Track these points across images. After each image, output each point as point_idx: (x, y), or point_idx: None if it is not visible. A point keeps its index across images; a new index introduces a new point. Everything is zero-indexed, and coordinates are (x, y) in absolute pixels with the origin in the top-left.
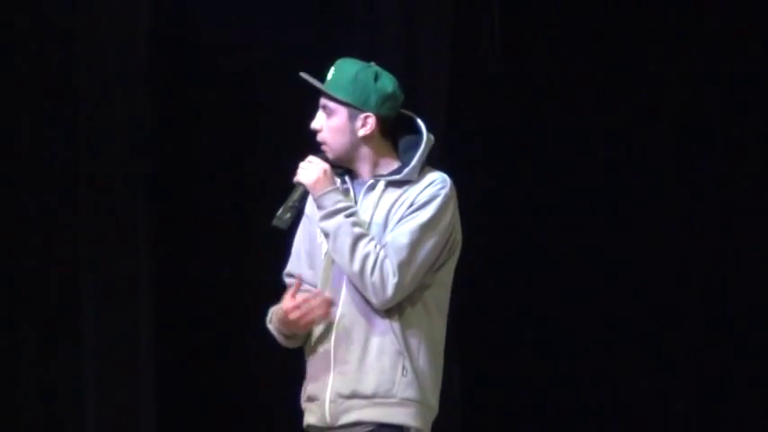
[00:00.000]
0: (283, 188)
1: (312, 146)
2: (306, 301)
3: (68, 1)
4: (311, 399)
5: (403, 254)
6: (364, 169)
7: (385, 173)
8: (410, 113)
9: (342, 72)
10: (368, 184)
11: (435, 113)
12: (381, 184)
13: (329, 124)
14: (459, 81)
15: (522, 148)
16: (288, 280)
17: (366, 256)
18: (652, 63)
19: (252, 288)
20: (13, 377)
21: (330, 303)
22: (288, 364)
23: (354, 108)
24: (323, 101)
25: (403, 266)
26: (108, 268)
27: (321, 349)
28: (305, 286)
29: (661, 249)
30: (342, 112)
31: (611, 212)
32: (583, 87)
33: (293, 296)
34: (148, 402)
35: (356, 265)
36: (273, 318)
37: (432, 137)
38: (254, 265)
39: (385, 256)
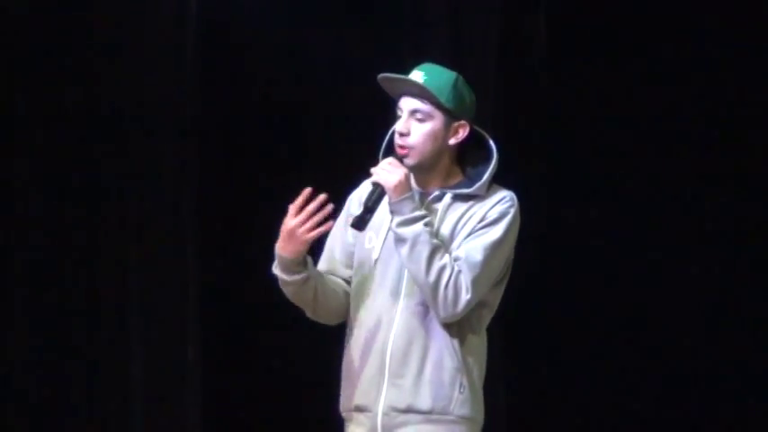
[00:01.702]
0: (329, 193)
1: (357, 147)
2: (303, 206)
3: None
4: (360, 409)
5: (477, 270)
6: (434, 179)
7: (451, 185)
8: (478, 128)
9: (439, 77)
10: (434, 194)
11: (482, 125)
12: (448, 197)
13: (421, 129)
14: (507, 100)
15: (571, 165)
16: None
17: (442, 269)
18: (709, 72)
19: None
20: (61, 387)
21: (326, 205)
22: (334, 376)
23: (451, 115)
24: (415, 104)
25: (476, 283)
26: (155, 280)
27: (373, 359)
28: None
29: (714, 263)
30: (439, 118)
31: (665, 227)
32: (633, 104)
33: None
34: (195, 417)
35: (432, 277)
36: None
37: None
38: None
39: (459, 271)
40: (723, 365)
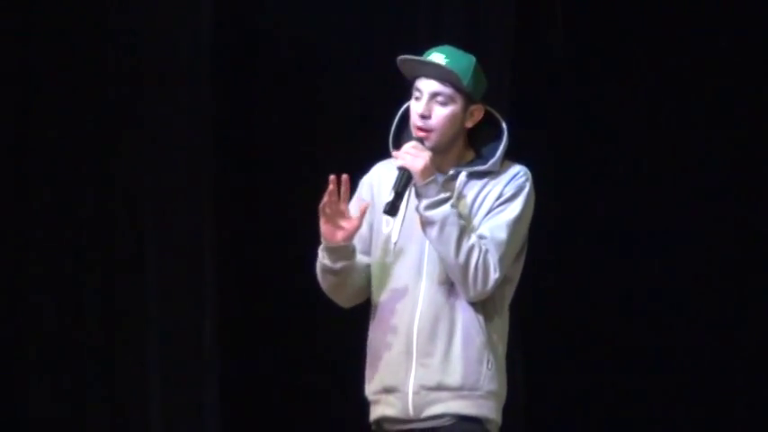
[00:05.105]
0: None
1: (370, 135)
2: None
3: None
4: (388, 390)
5: (502, 249)
6: (449, 160)
7: (464, 163)
8: (489, 108)
9: (460, 60)
10: (449, 174)
11: (499, 103)
12: (463, 175)
13: (443, 111)
14: (523, 70)
15: (587, 137)
16: None
17: (471, 249)
18: (725, 45)
19: (317, 285)
20: (79, 373)
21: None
22: (354, 362)
23: (470, 98)
24: (436, 87)
25: (503, 261)
26: (172, 267)
27: (399, 340)
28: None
29: (733, 249)
30: (459, 101)
31: (680, 204)
32: (649, 73)
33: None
34: (212, 407)
35: (462, 257)
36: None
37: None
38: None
39: (486, 251)
40: (735, 360)
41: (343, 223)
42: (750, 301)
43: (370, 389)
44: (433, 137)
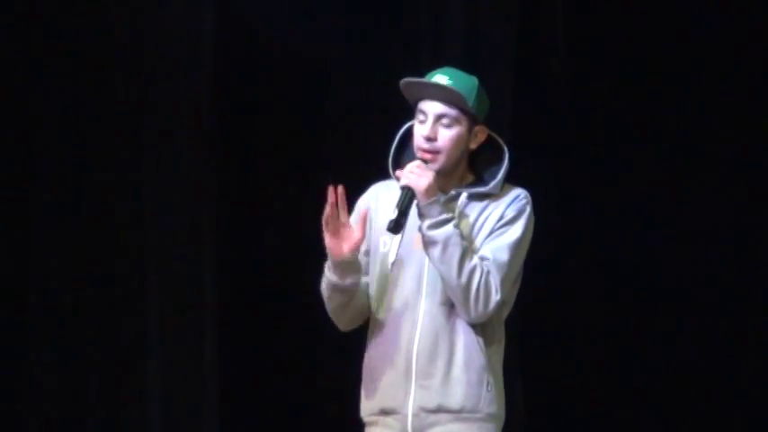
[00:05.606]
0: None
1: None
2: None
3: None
4: (387, 412)
5: (504, 271)
6: (451, 182)
7: (463, 185)
8: (489, 131)
9: (463, 81)
10: (450, 194)
11: (499, 124)
12: (464, 197)
13: (448, 134)
14: (523, 92)
15: (588, 159)
16: None
17: (473, 270)
18: (728, 58)
19: (317, 291)
20: (78, 374)
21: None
22: (355, 377)
23: (474, 120)
24: (441, 109)
25: (504, 283)
26: (172, 272)
27: (398, 361)
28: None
29: (731, 256)
30: (464, 123)
31: (677, 220)
32: (651, 90)
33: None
34: (212, 411)
35: (464, 278)
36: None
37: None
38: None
39: (488, 272)
40: (736, 362)
41: (347, 234)
42: (751, 303)
43: (367, 410)
44: (440, 159)
